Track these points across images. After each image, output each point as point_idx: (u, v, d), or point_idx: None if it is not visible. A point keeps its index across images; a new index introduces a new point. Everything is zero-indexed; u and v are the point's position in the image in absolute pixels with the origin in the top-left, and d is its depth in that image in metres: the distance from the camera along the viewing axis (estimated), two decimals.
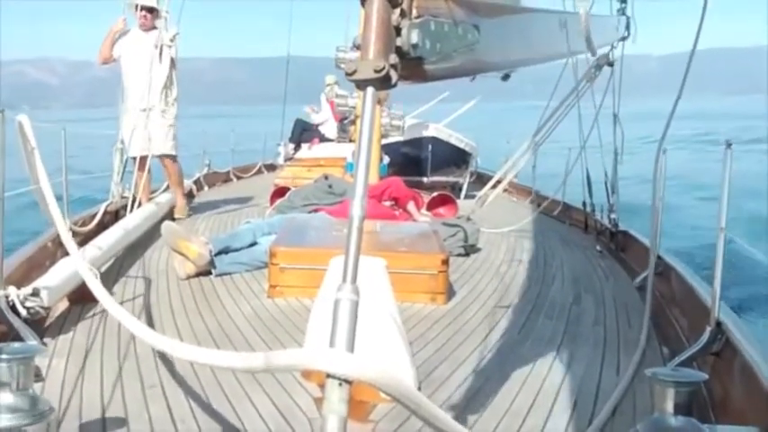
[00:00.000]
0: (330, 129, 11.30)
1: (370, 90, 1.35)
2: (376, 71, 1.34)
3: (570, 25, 3.25)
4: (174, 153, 6.95)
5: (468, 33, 1.75)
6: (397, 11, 1.44)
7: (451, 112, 11.08)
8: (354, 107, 7.56)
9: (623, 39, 5.86)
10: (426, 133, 9.33)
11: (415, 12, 1.50)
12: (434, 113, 11.19)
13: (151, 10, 6.70)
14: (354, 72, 1.36)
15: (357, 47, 1.46)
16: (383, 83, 1.36)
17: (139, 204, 6.19)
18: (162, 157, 6.84)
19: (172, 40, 6.76)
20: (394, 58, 1.40)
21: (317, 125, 11.50)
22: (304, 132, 11.38)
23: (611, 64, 5.97)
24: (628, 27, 5.82)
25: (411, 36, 1.44)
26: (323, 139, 11.09)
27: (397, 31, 1.45)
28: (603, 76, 6.04)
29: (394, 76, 1.37)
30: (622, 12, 5.84)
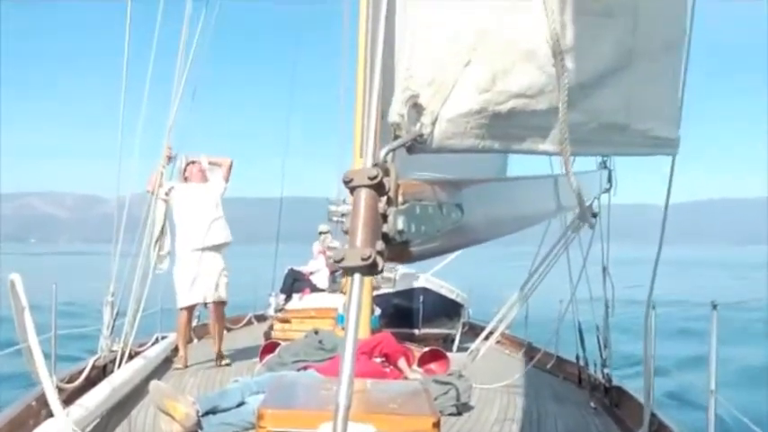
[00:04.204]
0: (322, 279, 11.34)
1: (357, 277, 1.40)
2: (363, 259, 1.39)
3: (556, 187, 3.36)
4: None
5: (451, 213, 1.82)
6: (384, 199, 1.52)
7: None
8: None
9: (606, 191, 6.01)
10: (417, 284, 9.36)
11: (400, 198, 1.58)
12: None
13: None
14: (342, 259, 1.41)
15: (345, 232, 1.52)
16: (370, 269, 1.41)
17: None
18: (219, 303, 7.38)
19: (167, 194, 7.08)
20: (380, 245, 1.45)
21: (309, 274, 11.55)
22: (295, 282, 11.41)
23: (594, 215, 6.10)
24: (610, 179, 5.99)
25: (397, 223, 1.51)
26: (314, 289, 11.10)
27: (384, 217, 1.51)
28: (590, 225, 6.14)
29: (380, 262, 1.42)
30: (604, 165, 6.03)
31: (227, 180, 7.53)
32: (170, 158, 7.20)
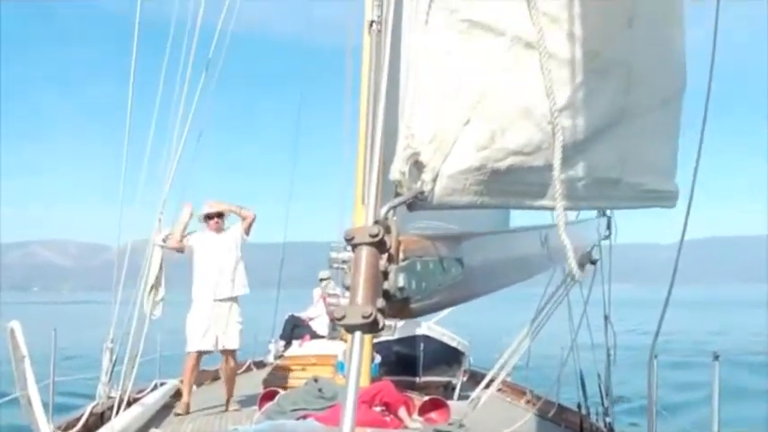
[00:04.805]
0: (322, 325, 11.30)
1: (358, 335, 1.42)
2: (364, 317, 1.41)
3: (553, 238, 3.38)
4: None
5: (452, 268, 1.84)
6: (385, 256, 1.54)
7: None
8: None
9: (605, 238, 6.03)
10: (418, 331, 9.30)
11: (401, 255, 1.60)
12: None
13: (220, 215, 7.59)
14: (343, 317, 1.43)
15: (346, 287, 1.54)
16: (371, 327, 1.43)
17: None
18: (230, 351, 7.53)
19: (164, 240, 7.17)
20: (381, 302, 1.47)
21: (309, 320, 11.51)
22: (295, 329, 11.37)
23: (593, 262, 6.10)
24: (609, 226, 6.01)
25: (398, 280, 1.54)
26: (314, 335, 11.05)
27: (385, 274, 1.54)
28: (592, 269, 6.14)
29: (381, 320, 1.44)
30: (603, 213, 6.05)
31: (247, 233, 7.66)
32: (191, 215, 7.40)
